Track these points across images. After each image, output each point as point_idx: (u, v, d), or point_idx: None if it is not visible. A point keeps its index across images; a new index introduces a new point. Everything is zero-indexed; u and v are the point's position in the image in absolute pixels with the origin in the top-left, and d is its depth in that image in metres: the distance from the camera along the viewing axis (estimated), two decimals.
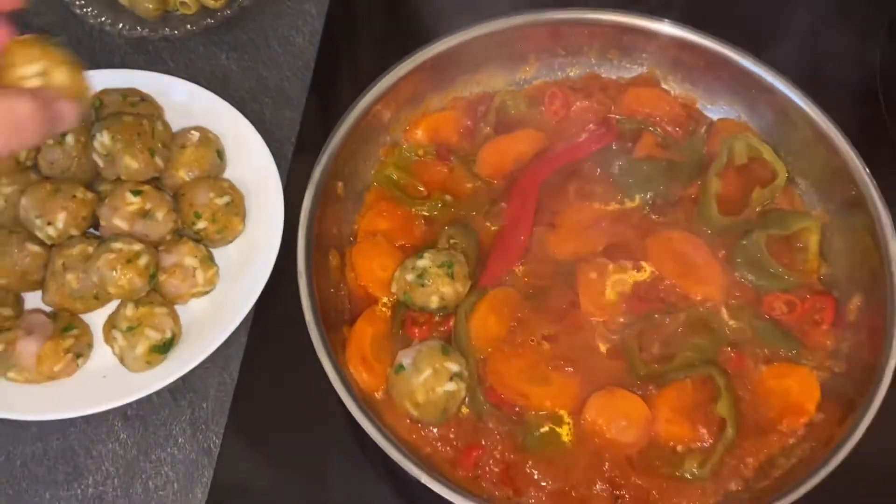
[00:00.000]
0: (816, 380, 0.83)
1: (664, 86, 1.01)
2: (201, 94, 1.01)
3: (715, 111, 1.00)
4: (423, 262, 0.85)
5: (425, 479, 0.74)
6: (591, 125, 0.97)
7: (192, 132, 0.97)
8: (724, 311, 0.87)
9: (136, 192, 0.89)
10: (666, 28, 0.96)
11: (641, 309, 0.87)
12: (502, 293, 0.88)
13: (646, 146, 0.96)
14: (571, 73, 1.03)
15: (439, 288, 0.84)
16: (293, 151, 1.04)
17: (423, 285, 0.84)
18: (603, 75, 1.02)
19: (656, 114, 0.99)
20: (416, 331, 0.86)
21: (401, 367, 0.80)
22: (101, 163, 0.92)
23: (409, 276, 0.85)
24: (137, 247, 0.86)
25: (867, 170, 0.87)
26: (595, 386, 0.83)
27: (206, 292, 0.91)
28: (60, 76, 0.66)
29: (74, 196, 0.90)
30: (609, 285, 0.88)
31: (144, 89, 1.00)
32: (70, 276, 0.87)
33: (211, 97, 1.00)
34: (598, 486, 0.78)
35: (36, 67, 0.64)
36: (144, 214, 0.88)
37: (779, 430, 0.81)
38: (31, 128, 0.60)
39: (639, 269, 0.89)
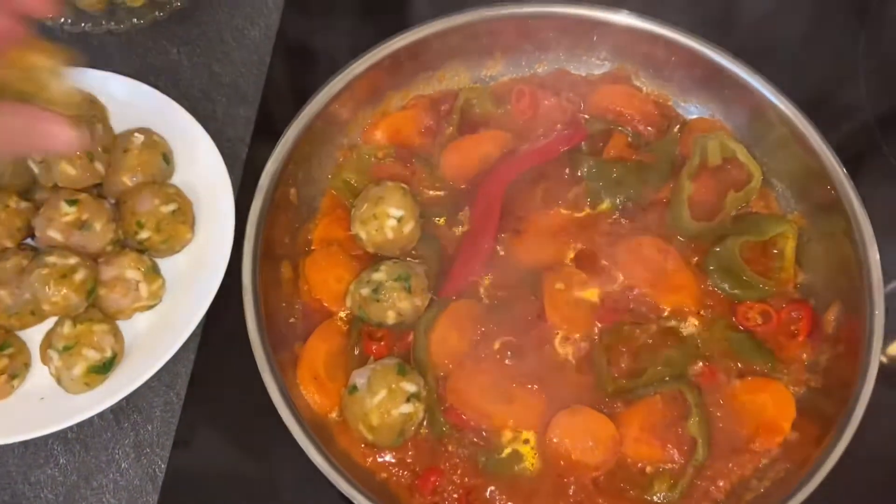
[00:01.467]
0: (792, 396, 0.79)
1: (636, 82, 0.97)
2: (147, 93, 0.95)
3: (688, 109, 0.95)
4: (378, 276, 0.80)
5: None
6: (559, 125, 0.92)
7: (136, 134, 0.91)
8: (695, 321, 0.83)
9: (72, 202, 0.83)
10: (635, 22, 0.92)
11: (610, 320, 0.83)
12: (464, 305, 0.83)
13: (616, 147, 0.91)
14: (539, 70, 0.98)
15: (396, 303, 0.79)
16: (247, 153, 0.98)
17: (378, 300, 0.79)
18: (572, 71, 0.97)
19: (628, 112, 0.94)
20: (374, 347, 0.81)
21: (354, 387, 0.76)
22: (36, 169, 0.86)
23: (364, 291, 0.80)
24: (73, 260, 0.80)
25: (844, 170, 0.83)
26: (561, 404, 0.79)
27: (151, 306, 0.86)
28: (56, 87, 0.62)
29: (7, 206, 0.84)
30: (576, 295, 0.84)
31: (85, 88, 0.93)
32: (3, 292, 0.82)
33: (157, 95, 0.94)
34: None
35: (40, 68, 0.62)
36: (81, 225, 0.83)
37: (752, 449, 0.78)
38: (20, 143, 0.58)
39: (607, 277, 0.85)
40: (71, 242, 0.83)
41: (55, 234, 0.82)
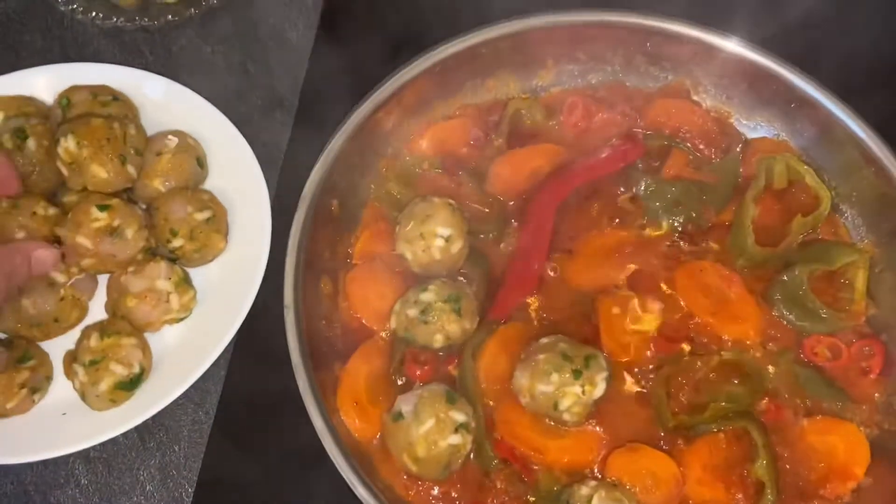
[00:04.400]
0: (865, 438, 0.74)
1: (695, 97, 0.92)
2: (181, 93, 0.91)
3: (751, 127, 0.90)
4: (427, 296, 0.75)
5: None
6: (614, 139, 0.88)
7: (170, 137, 0.86)
8: (760, 354, 0.78)
9: (104, 207, 0.79)
10: (697, 34, 0.87)
11: (669, 350, 0.78)
12: (514, 329, 0.79)
13: (675, 165, 0.86)
14: (593, 81, 0.93)
15: (444, 325, 0.74)
16: (283, 160, 0.94)
17: (426, 322, 0.74)
18: (628, 84, 0.93)
19: (686, 128, 0.89)
20: (418, 371, 0.76)
21: (399, 414, 0.71)
22: (65, 171, 0.81)
23: (411, 312, 0.75)
24: None
25: None
26: (618, 438, 0.74)
27: (181, 319, 0.82)
28: None
29: (35, 213, 0.79)
30: (633, 321, 0.79)
31: (118, 86, 0.89)
32: (27, 301, 0.77)
33: (192, 96, 0.90)
34: None
35: None
36: (112, 232, 0.78)
37: (821, 495, 0.73)
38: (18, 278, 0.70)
39: (666, 304, 0.80)
40: (100, 250, 0.78)
41: (84, 241, 0.78)
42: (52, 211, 0.80)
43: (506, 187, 0.86)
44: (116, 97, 0.88)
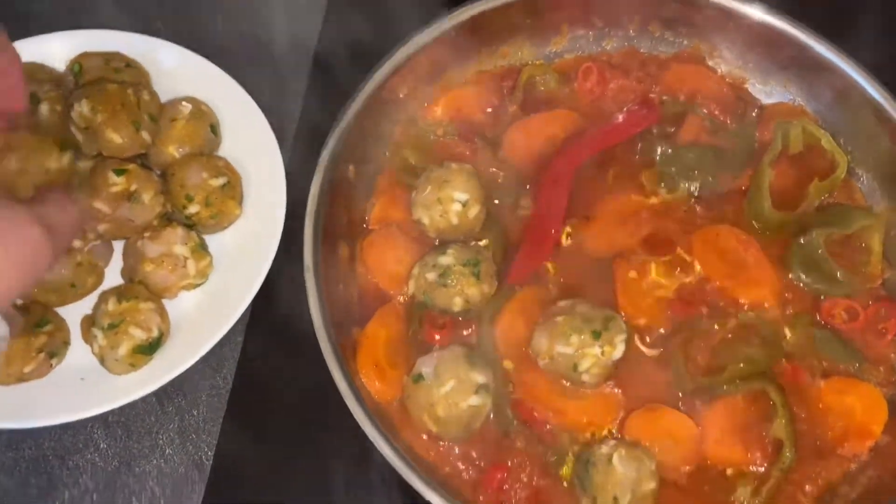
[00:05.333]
0: (883, 397, 0.75)
1: (710, 63, 0.91)
2: (193, 60, 0.90)
3: (766, 92, 0.90)
4: (445, 259, 0.75)
5: None
6: (630, 105, 0.87)
7: (184, 103, 0.86)
8: (777, 317, 0.78)
9: (120, 172, 0.78)
10: None
11: (686, 313, 0.78)
12: (531, 293, 0.79)
13: (691, 130, 0.86)
14: (608, 47, 0.93)
15: (464, 289, 0.74)
16: (296, 127, 0.93)
17: (445, 285, 0.74)
18: (642, 50, 0.92)
19: (701, 94, 0.89)
20: (436, 335, 0.76)
21: (420, 376, 0.71)
22: (79, 136, 0.81)
23: (430, 275, 0.75)
24: None
25: None
26: (636, 400, 0.74)
27: (198, 285, 0.81)
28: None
29: (48, 169, 0.78)
30: (650, 286, 0.79)
31: (130, 53, 0.89)
32: None
33: (204, 64, 0.89)
34: None
35: None
36: (129, 196, 0.78)
37: (839, 454, 0.73)
38: (45, 258, 0.58)
39: (683, 268, 0.80)
40: (118, 215, 0.78)
41: (101, 206, 0.77)
42: (65, 160, 0.79)
43: (521, 154, 0.86)
44: (129, 64, 0.88)
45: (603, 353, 0.71)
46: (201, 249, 0.81)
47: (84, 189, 0.78)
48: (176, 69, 0.89)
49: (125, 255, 0.81)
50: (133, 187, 0.78)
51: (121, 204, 0.77)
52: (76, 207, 0.66)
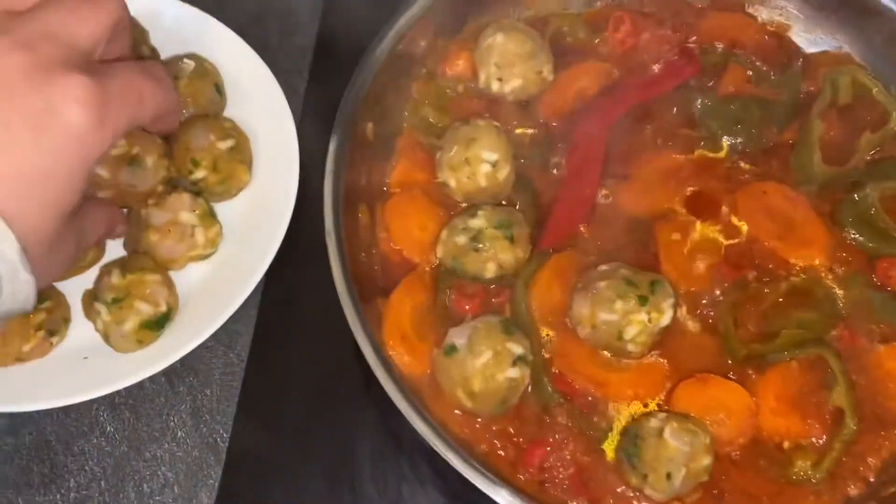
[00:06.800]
0: None
1: (749, 10, 0.85)
2: (195, 17, 0.83)
3: (811, 41, 0.84)
4: (476, 222, 0.69)
5: (484, 485, 0.60)
6: (667, 56, 0.81)
7: (185, 61, 0.79)
8: (830, 278, 0.73)
9: None
10: None
11: (734, 276, 0.73)
12: (568, 258, 0.73)
13: (733, 81, 0.80)
14: None
15: (497, 254, 0.69)
16: (305, 87, 0.87)
17: (476, 250, 0.69)
18: None
19: (741, 44, 0.83)
20: (466, 305, 0.71)
21: (453, 347, 0.66)
22: None
23: (460, 239, 0.69)
24: None
25: None
26: (684, 370, 0.69)
27: (207, 255, 0.76)
28: None
29: None
30: (694, 248, 0.74)
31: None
32: None
33: (206, 19, 0.83)
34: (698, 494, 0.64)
35: None
36: (131, 161, 0.72)
37: None
38: (152, 102, 0.57)
39: (729, 228, 0.75)
40: (119, 181, 0.72)
41: (101, 171, 0.71)
42: None
43: (550, 109, 0.80)
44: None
45: (650, 319, 0.66)
46: (210, 217, 0.75)
47: None
48: (177, 26, 0.82)
49: (128, 224, 0.76)
50: (135, 150, 0.72)
51: (121, 169, 0.71)
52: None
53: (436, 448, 0.60)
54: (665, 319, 0.66)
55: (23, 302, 0.51)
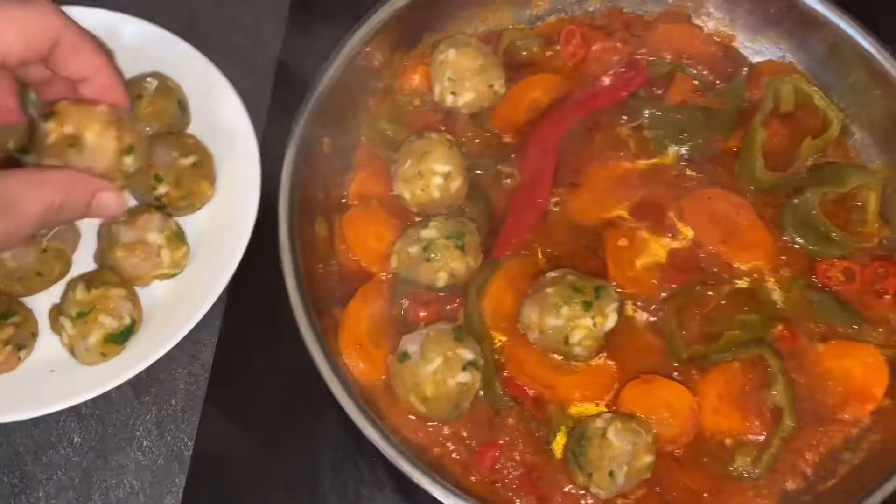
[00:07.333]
0: (884, 360, 0.72)
1: (696, 21, 0.88)
2: (158, 35, 0.85)
3: (755, 50, 0.87)
4: (428, 233, 0.72)
5: (433, 488, 0.63)
6: (615, 68, 0.84)
7: (149, 80, 0.82)
8: (772, 281, 0.76)
9: (48, 116, 0.65)
10: None
11: (679, 280, 0.75)
12: (519, 265, 0.76)
13: (679, 91, 0.83)
14: (590, 8, 0.89)
15: (448, 262, 0.71)
16: (269, 103, 0.89)
17: (429, 259, 0.71)
18: (626, 10, 0.89)
19: (688, 54, 0.86)
20: (421, 312, 0.73)
21: (405, 354, 0.68)
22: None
23: (413, 249, 0.72)
24: None
25: None
26: (631, 371, 0.71)
27: (172, 275, 0.77)
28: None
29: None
30: (641, 253, 0.76)
31: (90, 28, 0.83)
32: (7, 255, 0.73)
33: (170, 38, 0.85)
34: (641, 490, 0.67)
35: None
36: (71, 143, 0.61)
37: (840, 419, 0.71)
38: (66, 214, 0.56)
39: (675, 234, 0.77)
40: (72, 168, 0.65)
41: (50, 163, 0.68)
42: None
43: (503, 121, 0.83)
44: None
45: (595, 323, 0.68)
46: (178, 239, 0.77)
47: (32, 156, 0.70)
48: (140, 45, 0.84)
49: (99, 236, 0.78)
50: (68, 129, 0.61)
51: (66, 153, 0.62)
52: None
53: (385, 454, 0.63)
54: (609, 323, 0.69)
55: None
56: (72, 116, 0.61)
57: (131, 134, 0.62)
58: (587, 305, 0.68)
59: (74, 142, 0.61)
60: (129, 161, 0.62)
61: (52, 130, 0.61)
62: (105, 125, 0.61)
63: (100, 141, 0.61)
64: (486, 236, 0.77)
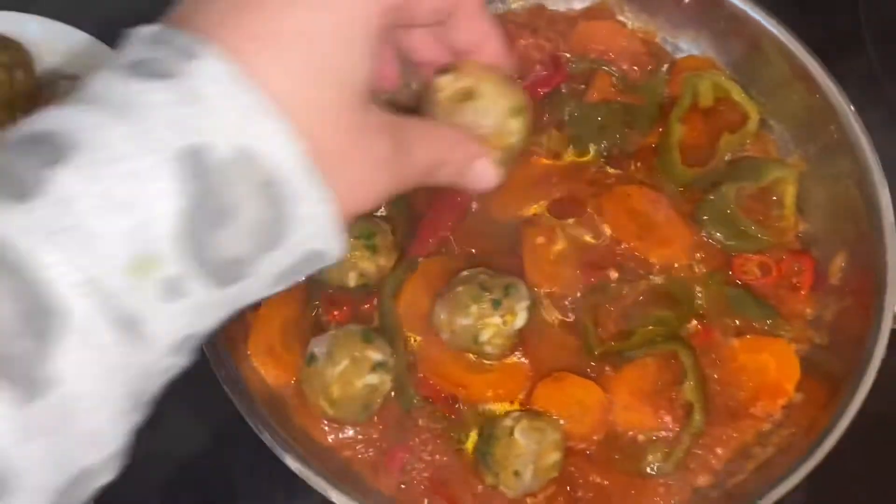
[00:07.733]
0: (795, 354, 0.73)
1: (620, 18, 0.88)
2: (66, 34, 0.85)
3: (677, 46, 0.87)
4: None
5: (334, 496, 0.62)
6: (537, 66, 0.84)
7: (62, 82, 0.81)
8: (689, 276, 0.76)
9: None
10: None
11: (597, 277, 0.75)
12: (435, 264, 0.75)
13: (600, 89, 0.83)
14: (514, 6, 0.89)
15: (357, 263, 0.71)
16: None
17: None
18: (549, 7, 0.88)
19: (611, 51, 0.86)
20: (335, 313, 0.73)
21: (313, 357, 0.67)
22: None
23: None
24: None
25: (852, 108, 0.76)
26: (545, 369, 0.71)
27: None
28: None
29: None
30: (558, 251, 0.76)
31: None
32: None
33: (79, 36, 0.84)
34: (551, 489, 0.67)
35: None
36: (464, 96, 0.55)
37: (752, 414, 0.71)
38: (441, 176, 0.47)
39: (593, 231, 0.77)
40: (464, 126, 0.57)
41: None
42: None
43: None
44: (6, 45, 0.82)
45: (504, 322, 0.68)
46: None
47: None
48: (47, 44, 0.83)
49: None
50: (465, 82, 0.52)
51: (457, 108, 0.52)
52: None
53: (280, 457, 0.62)
54: (519, 321, 0.69)
55: (322, 239, 0.36)
56: (472, 71, 0.55)
57: (522, 98, 0.55)
58: (496, 304, 0.68)
59: (469, 94, 0.54)
60: (514, 124, 0.54)
61: (448, 85, 0.54)
62: (502, 80, 0.55)
63: (494, 95, 0.54)
64: (405, 236, 0.76)
